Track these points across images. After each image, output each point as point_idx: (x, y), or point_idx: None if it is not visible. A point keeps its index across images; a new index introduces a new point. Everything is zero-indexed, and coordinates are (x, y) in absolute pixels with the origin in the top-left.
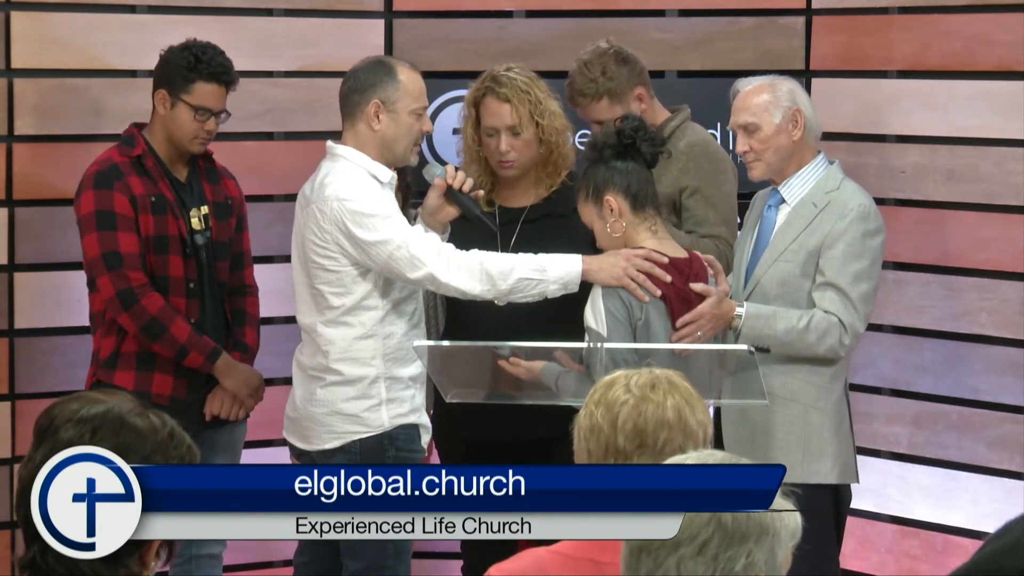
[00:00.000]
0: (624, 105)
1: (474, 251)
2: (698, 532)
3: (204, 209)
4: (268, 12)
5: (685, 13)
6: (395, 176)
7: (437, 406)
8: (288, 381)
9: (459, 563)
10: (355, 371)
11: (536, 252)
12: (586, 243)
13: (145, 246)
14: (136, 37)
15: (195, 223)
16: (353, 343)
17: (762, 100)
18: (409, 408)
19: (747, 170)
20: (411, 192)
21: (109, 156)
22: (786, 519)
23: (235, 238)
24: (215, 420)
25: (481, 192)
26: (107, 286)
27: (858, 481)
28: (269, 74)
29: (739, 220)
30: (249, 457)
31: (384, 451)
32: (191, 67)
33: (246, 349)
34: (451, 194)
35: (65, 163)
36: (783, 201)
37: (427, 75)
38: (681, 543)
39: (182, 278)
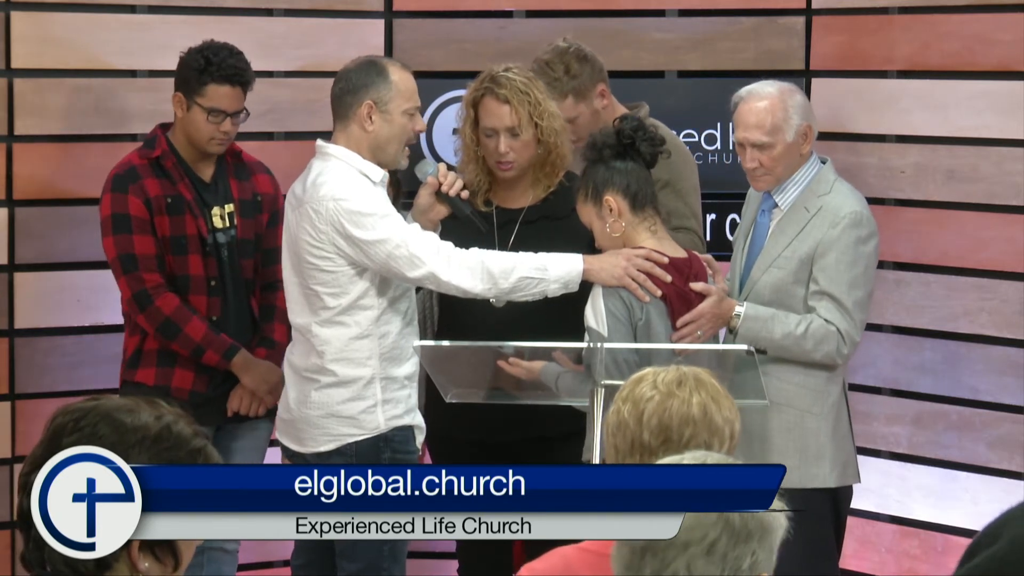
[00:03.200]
0: (588, 103)
1: (474, 249)
2: (707, 532)
3: (229, 207)
4: (268, 12)
5: (685, 13)
6: (387, 175)
7: (427, 405)
8: None
9: (457, 563)
10: (351, 372)
11: (534, 252)
12: (584, 244)
13: (162, 247)
14: (136, 37)
15: (217, 221)
16: (349, 343)
17: (776, 119)
18: (404, 409)
19: (751, 180)
20: (401, 191)
21: (129, 159)
22: (780, 518)
23: (266, 234)
24: (237, 416)
25: (466, 193)
26: (124, 288)
27: (859, 481)
28: (269, 74)
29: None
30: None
31: (380, 453)
32: (202, 69)
33: (273, 345)
34: (442, 193)
35: (65, 163)
36: (776, 205)
37: (427, 75)
38: (691, 543)
39: (203, 276)
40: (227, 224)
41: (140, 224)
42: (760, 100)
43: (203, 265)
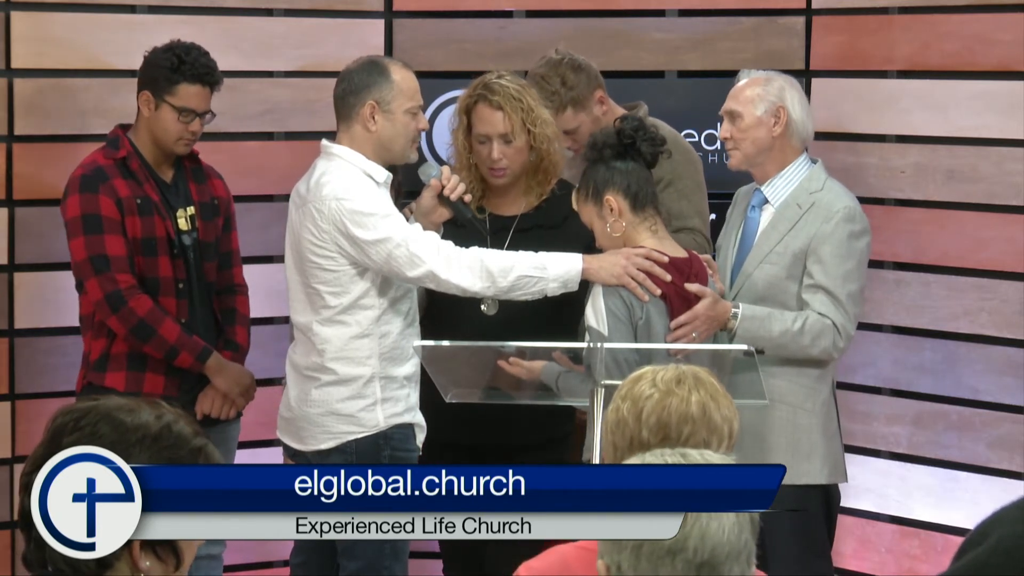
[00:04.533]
0: (588, 111)
1: (474, 248)
2: (747, 537)
3: (190, 210)
4: (268, 12)
5: (685, 13)
6: (390, 176)
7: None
8: None
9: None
10: (350, 370)
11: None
12: (579, 251)
13: (132, 248)
14: (136, 37)
15: (182, 224)
16: (349, 342)
17: (750, 91)
18: (404, 407)
19: (727, 157)
20: (402, 192)
21: (94, 159)
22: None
23: (223, 238)
24: (207, 419)
25: (468, 196)
26: (95, 289)
27: (847, 480)
28: (269, 74)
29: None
30: (248, 457)
31: (380, 451)
32: (174, 68)
33: (237, 348)
34: (445, 196)
35: (65, 163)
36: (766, 201)
37: (427, 75)
38: (742, 552)
39: (171, 278)
40: (190, 226)
41: (111, 224)
42: (746, 79)
43: (172, 267)
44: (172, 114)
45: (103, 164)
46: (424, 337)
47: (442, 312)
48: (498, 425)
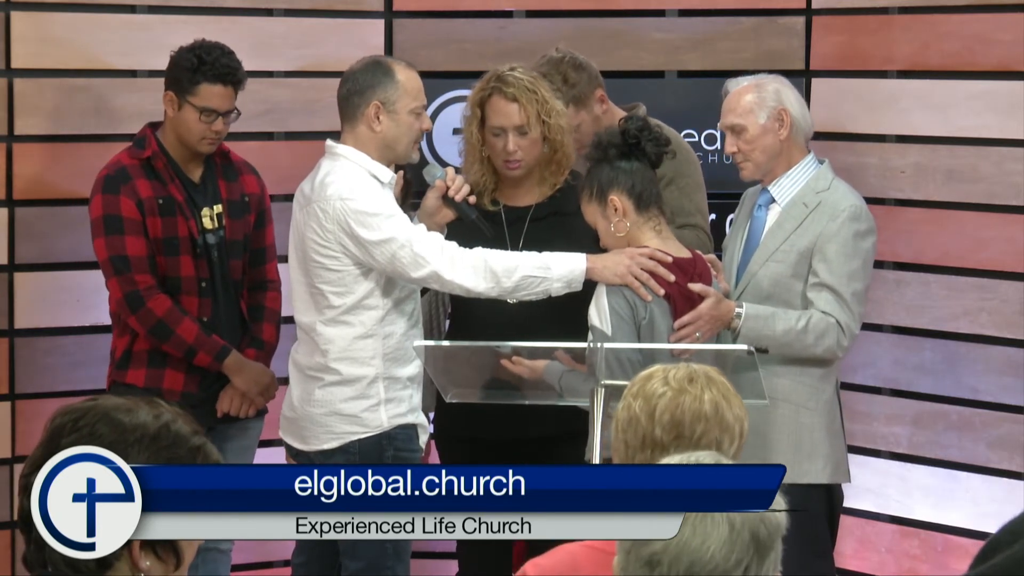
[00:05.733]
0: (588, 110)
1: (478, 249)
2: (741, 558)
3: (217, 208)
4: (268, 12)
5: (685, 13)
6: (395, 176)
7: (439, 405)
8: None
9: (457, 564)
10: (354, 371)
11: (543, 250)
12: (592, 241)
13: (154, 248)
14: (136, 37)
15: (207, 222)
16: (353, 342)
17: (747, 101)
18: (407, 408)
19: (738, 170)
20: (411, 190)
21: (119, 159)
22: (784, 518)
23: (255, 234)
24: (228, 417)
25: (473, 198)
26: (115, 289)
27: (850, 480)
28: (269, 74)
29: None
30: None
31: (383, 451)
32: (195, 69)
33: (262, 345)
34: (449, 197)
35: (65, 163)
36: (773, 200)
37: (427, 75)
38: (729, 572)
39: (194, 277)
40: (216, 225)
41: (132, 225)
42: (737, 87)
43: (194, 266)
44: (194, 114)
45: (127, 164)
46: (452, 332)
47: (469, 311)
48: (523, 419)
